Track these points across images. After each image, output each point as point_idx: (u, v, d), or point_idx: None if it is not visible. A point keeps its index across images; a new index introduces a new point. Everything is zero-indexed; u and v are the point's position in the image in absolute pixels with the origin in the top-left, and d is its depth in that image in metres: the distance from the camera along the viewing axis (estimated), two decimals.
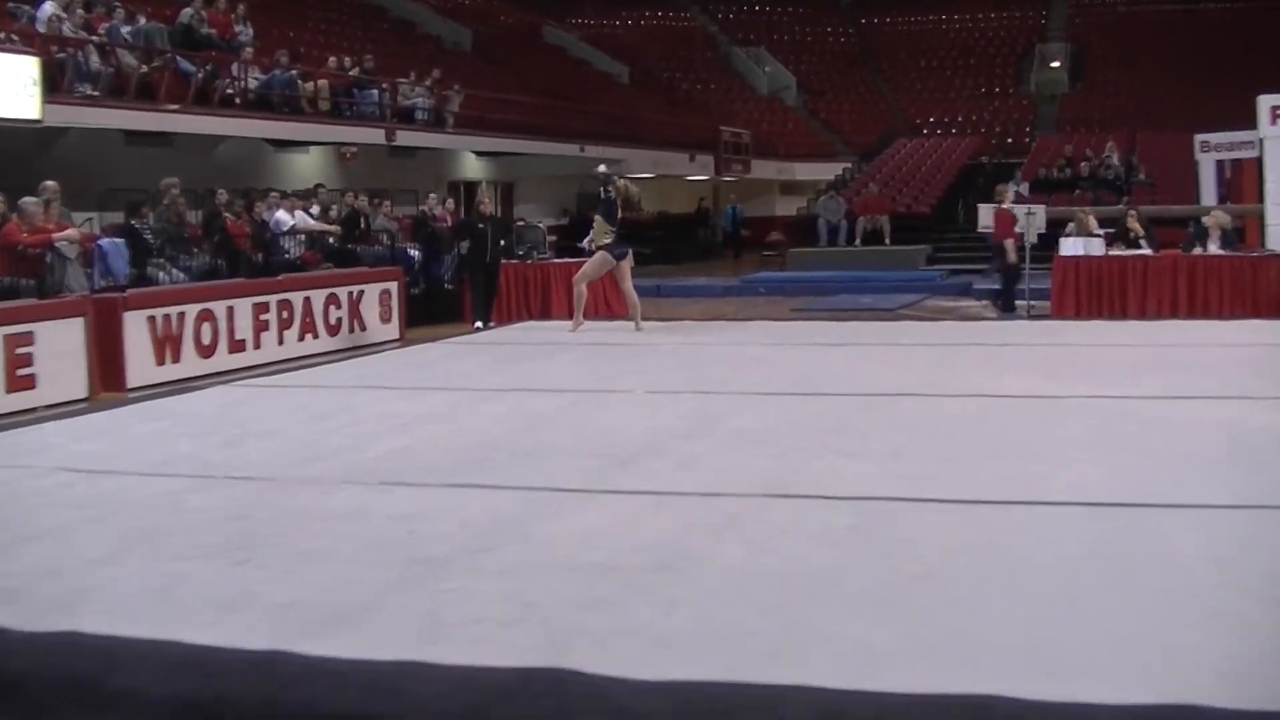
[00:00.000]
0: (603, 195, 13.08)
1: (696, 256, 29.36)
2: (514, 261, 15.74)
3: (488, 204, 15.18)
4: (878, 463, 6.07)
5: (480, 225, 14.55)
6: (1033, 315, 14.37)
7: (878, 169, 27.76)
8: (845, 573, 4.30)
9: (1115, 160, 23.02)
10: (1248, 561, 4.30)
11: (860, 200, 23.87)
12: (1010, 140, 32.25)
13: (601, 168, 13.56)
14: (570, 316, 13.53)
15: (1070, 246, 14.54)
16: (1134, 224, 15.03)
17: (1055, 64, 38.25)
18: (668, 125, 30.93)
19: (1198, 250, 14.37)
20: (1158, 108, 30.37)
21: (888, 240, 22.72)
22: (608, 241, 13.01)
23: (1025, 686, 3.19)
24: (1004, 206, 14.85)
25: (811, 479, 5.73)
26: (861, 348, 11.24)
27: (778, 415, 7.51)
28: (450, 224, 17.03)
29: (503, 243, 14.96)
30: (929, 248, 22.43)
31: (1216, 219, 14.70)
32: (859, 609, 3.93)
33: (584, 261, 13.53)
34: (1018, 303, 14.88)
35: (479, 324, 14.37)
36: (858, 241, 22.83)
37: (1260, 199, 15.97)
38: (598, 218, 13.16)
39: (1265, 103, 15.59)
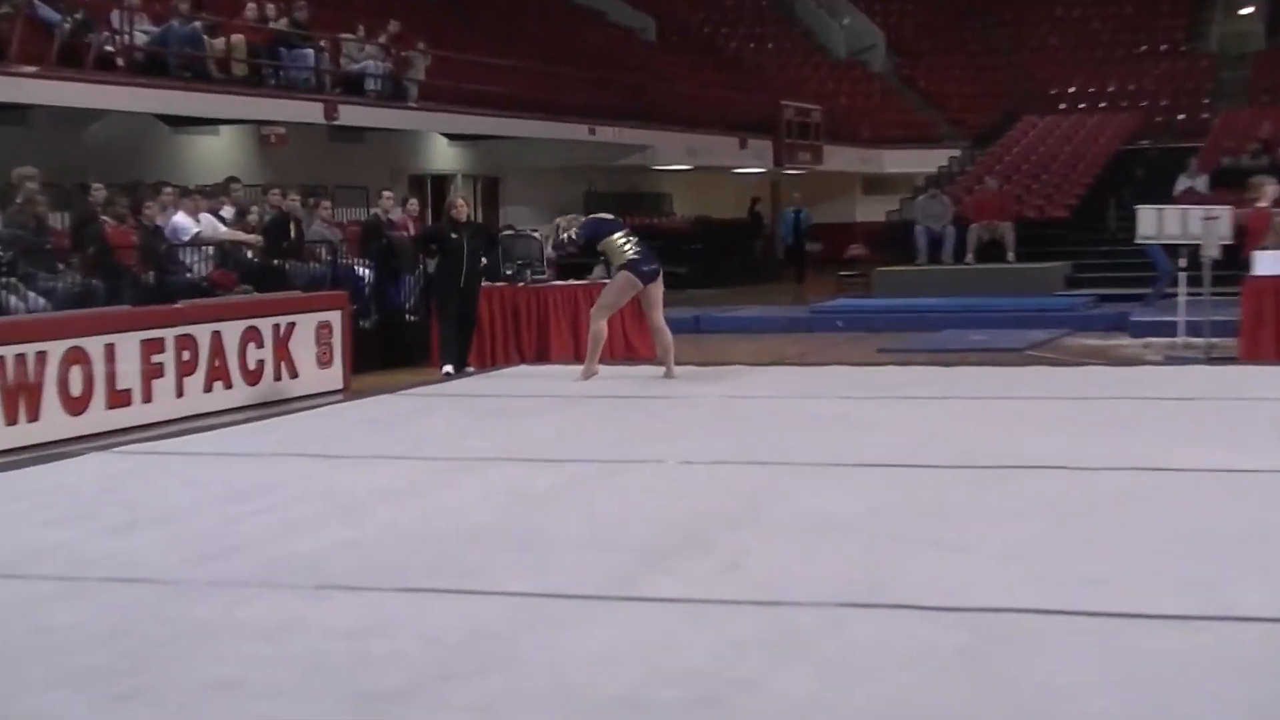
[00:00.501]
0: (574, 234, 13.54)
1: (748, 278, 29.58)
2: (500, 285, 15.88)
3: (464, 206, 15.32)
4: (1000, 561, 6.07)
5: (453, 235, 14.67)
6: (1213, 358, 14.46)
7: (997, 158, 27.96)
8: (955, 713, 4.29)
9: None
10: None
11: (973, 201, 23.97)
12: (1182, 116, 32.37)
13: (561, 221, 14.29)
14: (580, 359, 13.66)
15: (1268, 263, 14.67)
16: None
17: (1246, 11, 38.29)
18: (709, 99, 31.21)
19: None
20: None
21: (1010, 255, 22.87)
22: (632, 257, 13.11)
23: None
24: (1261, 205, 14.81)
25: (909, 583, 5.73)
26: (976, 403, 11.33)
27: (862, 495, 7.55)
28: (413, 233, 17.16)
29: (484, 260, 15.08)
30: (1068, 265, 22.59)
31: None
32: None
33: (603, 284, 13.63)
34: (1192, 341, 14.97)
35: (449, 368, 14.50)
36: (969, 257, 22.98)
37: None
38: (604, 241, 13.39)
39: None
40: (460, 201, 15.38)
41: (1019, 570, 5.91)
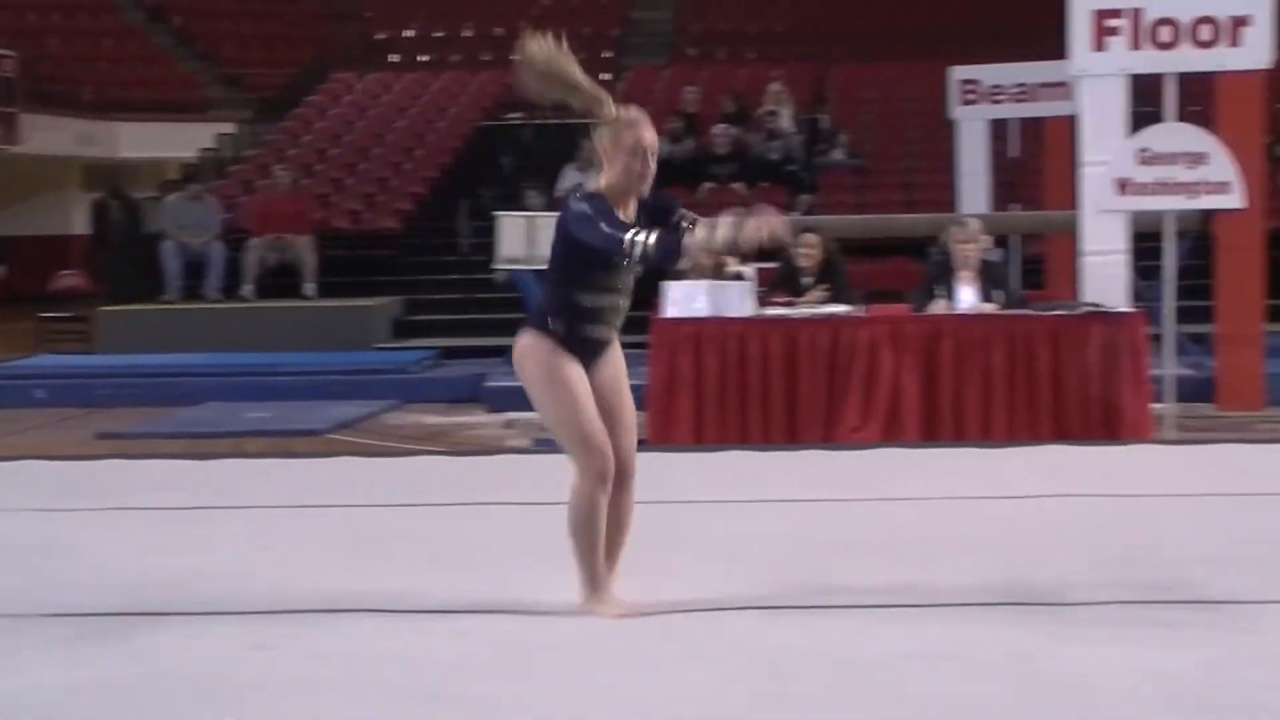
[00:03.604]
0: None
1: None
2: None
3: None
4: None
5: None
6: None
7: (293, 138, 26.20)
8: None
9: (785, 118, 23.05)
10: None
11: (255, 204, 21.99)
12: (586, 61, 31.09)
13: None
14: None
15: (682, 297, 13.96)
16: (812, 250, 14.61)
17: None
18: None
19: (938, 305, 14.13)
20: (866, 18, 30.84)
21: (309, 287, 21.22)
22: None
23: None
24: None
25: None
26: (235, 516, 10.33)
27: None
28: None
29: None
30: (398, 303, 21.38)
31: (971, 239, 14.36)
32: None
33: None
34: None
35: None
36: (247, 289, 21.14)
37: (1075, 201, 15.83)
38: None
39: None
40: None
41: None
